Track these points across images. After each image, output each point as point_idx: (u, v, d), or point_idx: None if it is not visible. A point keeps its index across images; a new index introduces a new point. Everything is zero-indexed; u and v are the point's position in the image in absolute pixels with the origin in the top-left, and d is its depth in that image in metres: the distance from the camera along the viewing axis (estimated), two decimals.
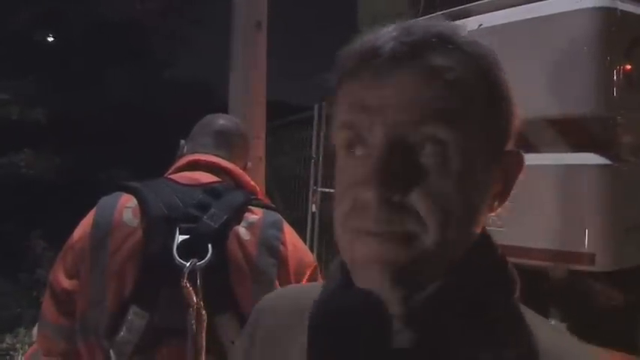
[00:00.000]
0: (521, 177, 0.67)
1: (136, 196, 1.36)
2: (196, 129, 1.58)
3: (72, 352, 1.33)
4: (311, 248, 5.68)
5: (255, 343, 0.80)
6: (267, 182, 3.92)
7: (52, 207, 7.06)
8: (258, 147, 3.45)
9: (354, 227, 0.62)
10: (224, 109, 3.06)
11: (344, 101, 0.65)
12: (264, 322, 0.81)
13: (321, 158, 6.34)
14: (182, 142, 1.59)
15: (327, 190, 6.36)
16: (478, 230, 0.65)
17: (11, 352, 5.04)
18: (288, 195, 6.91)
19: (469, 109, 0.61)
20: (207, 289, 1.25)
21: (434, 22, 0.65)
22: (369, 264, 0.61)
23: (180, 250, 1.27)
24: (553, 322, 2.37)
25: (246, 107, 3.62)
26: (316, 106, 6.40)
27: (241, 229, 1.35)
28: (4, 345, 5.16)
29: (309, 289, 0.75)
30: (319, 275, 1.47)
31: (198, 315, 1.23)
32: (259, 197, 1.48)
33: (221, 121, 1.59)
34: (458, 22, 0.70)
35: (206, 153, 1.49)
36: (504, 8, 2.88)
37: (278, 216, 1.44)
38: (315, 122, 6.37)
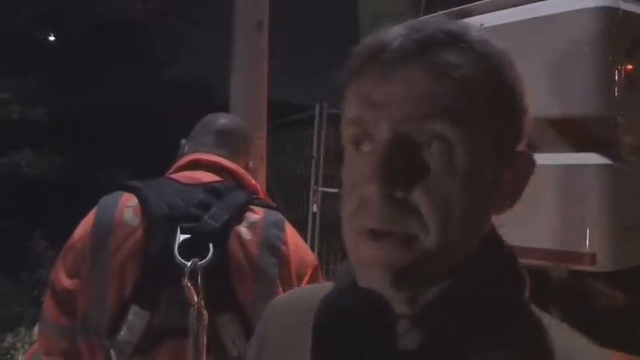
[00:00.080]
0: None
1: (136, 196, 1.36)
2: (197, 128, 1.58)
3: (73, 351, 1.33)
4: (312, 248, 5.68)
5: (266, 343, 0.80)
6: (268, 182, 3.92)
7: (53, 206, 7.07)
8: (260, 146, 3.45)
9: (358, 225, 0.61)
10: (225, 109, 3.06)
11: (352, 98, 0.64)
12: (276, 322, 0.81)
13: (322, 158, 6.35)
14: (183, 141, 1.59)
15: (328, 189, 6.36)
16: (485, 231, 0.65)
17: (12, 351, 5.05)
18: (289, 194, 6.91)
19: (477, 108, 0.60)
20: (208, 289, 1.25)
21: (445, 20, 0.64)
22: (371, 265, 0.61)
23: (182, 250, 1.27)
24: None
25: (248, 107, 3.63)
26: (317, 106, 6.41)
27: (242, 229, 1.35)
28: (5, 344, 5.17)
29: (320, 290, 0.75)
30: (320, 275, 1.47)
31: (199, 315, 1.23)
32: (261, 197, 1.48)
33: (222, 120, 1.59)
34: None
35: (207, 152, 1.49)
36: (505, 8, 2.88)
37: (279, 215, 1.44)
38: (317, 122, 6.37)
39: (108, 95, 8.90)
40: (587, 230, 2.56)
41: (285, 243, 1.39)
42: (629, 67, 2.62)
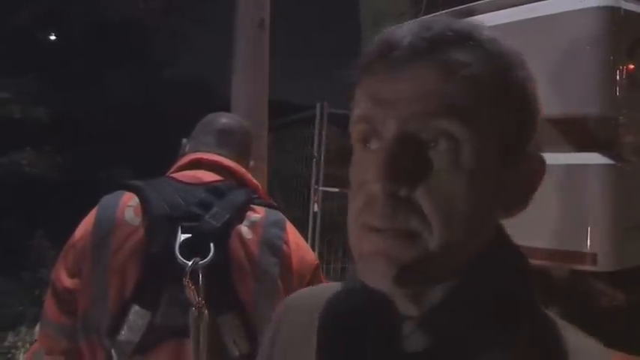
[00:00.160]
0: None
1: (137, 195, 1.36)
2: (199, 127, 1.58)
3: (74, 350, 1.33)
4: (312, 247, 5.68)
5: (278, 339, 0.80)
6: (268, 181, 3.92)
7: (54, 206, 7.06)
8: (260, 146, 3.46)
9: (363, 223, 0.61)
10: (226, 109, 3.06)
11: (361, 96, 0.64)
12: (288, 320, 0.81)
13: (322, 157, 6.35)
14: (184, 140, 1.58)
15: (328, 189, 6.36)
16: (492, 231, 0.65)
17: (13, 351, 5.05)
18: (289, 194, 6.91)
19: (485, 107, 0.60)
20: (209, 288, 1.25)
21: (455, 18, 0.64)
22: (373, 260, 0.60)
23: (182, 249, 1.27)
24: None
25: (249, 106, 3.63)
26: (318, 105, 6.41)
27: (243, 228, 1.35)
28: (6, 343, 5.17)
29: (333, 290, 0.75)
30: (321, 274, 1.47)
31: (200, 314, 1.23)
32: (261, 196, 1.48)
33: (223, 119, 1.59)
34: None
35: (208, 152, 1.49)
36: (507, 7, 2.88)
37: (280, 215, 1.44)
38: (317, 121, 6.38)
39: (109, 95, 8.89)
40: (589, 230, 2.55)
41: (286, 242, 1.39)
42: (631, 66, 2.61)
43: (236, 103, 3.69)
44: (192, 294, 1.23)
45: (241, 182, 1.47)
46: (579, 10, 2.62)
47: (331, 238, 6.58)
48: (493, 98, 0.60)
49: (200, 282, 1.24)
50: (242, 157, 1.54)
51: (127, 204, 1.35)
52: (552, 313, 0.66)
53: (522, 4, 2.86)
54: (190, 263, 1.24)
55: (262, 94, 3.73)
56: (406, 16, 5.97)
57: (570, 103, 2.60)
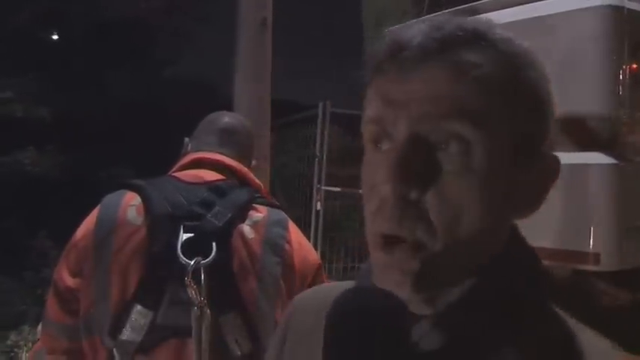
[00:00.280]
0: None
1: (139, 194, 1.36)
2: (201, 127, 1.58)
3: (75, 350, 1.33)
4: (315, 247, 5.67)
5: (287, 337, 0.80)
6: (271, 180, 3.92)
7: (56, 205, 7.07)
8: (263, 145, 3.46)
9: (376, 230, 0.61)
10: (228, 108, 3.06)
11: (372, 96, 0.64)
12: (296, 319, 0.80)
13: (325, 156, 6.35)
14: (186, 140, 1.58)
15: (331, 188, 6.37)
16: (506, 231, 0.64)
17: (15, 350, 5.05)
18: (292, 193, 6.92)
19: (497, 108, 0.59)
20: (211, 288, 1.25)
21: (467, 17, 0.64)
22: (387, 271, 0.61)
23: (185, 249, 1.26)
24: None
25: (251, 105, 3.63)
26: (321, 105, 6.42)
27: (246, 228, 1.35)
28: (9, 342, 5.18)
29: (343, 288, 0.75)
30: (324, 274, 1.47)
31: (202, 314, 1.23)
32: (264, 195, 1.48)
33: (226, 118, 1.59)
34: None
35: (210, 151, 1.49)
36: (510, 6, 2.87)
37: (283, 214, 1.43)
38: (320, 120, 6.38)
39: (111, 94, 8.90)
40: (591, 230, 2.55)
41: (289, 242, 1.39)
42: (634, 66, 2.61)
43: (238, 102, 3.69)
44: (194, 293, 1.23)
45: (243, 181, 1.47)
46: (583, 9, 2.62)
47: (333, 238, 6.58)
48: (505, 99, 0.60)
49: (202, 281, 1.24)
50: (244, 156, 1.54)
51: (129, 203, 1.35)
52: (565, 314, 0.66)
53: (525, 3, 2.86)
54: (192, 263, 1.24)
55: (265, 93, 3.73)
56: (408, 15, 5.97)
57: (573, 102, 2.59)
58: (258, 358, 1.27)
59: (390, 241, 0.60)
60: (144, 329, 1.25)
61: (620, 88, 2.58)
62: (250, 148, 1.59)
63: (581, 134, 2.60)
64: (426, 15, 4.85)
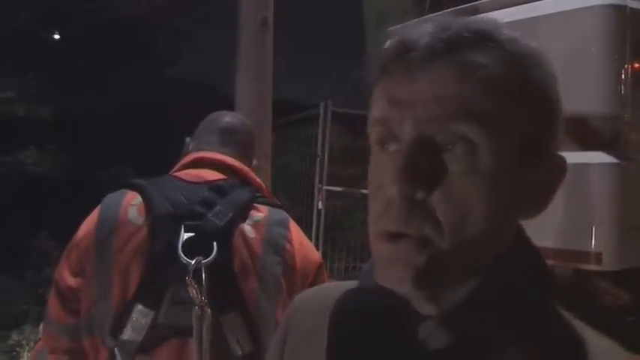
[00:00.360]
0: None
1: (140, 194, 1.35)
2: (202, 126, 1.58)
3: (77, 350, 1.33)
4: (316, 246, 5.67)
5: (288, 336, 0.80)
6: (272, 180, 3.92)
7: (58, 204, 7.08)
8: (264, 144, 3.46)
9: (382, 228, 0.61)
10: (229, 107, 3.06)
11: (378, 97, 0.64)
12: (297, 319, 0.80)
13: (326, 156, 6.35)
14: (187, 139, 1.58)
15: (332, 188, 6.36)
16: (512, 231, 0.64)
17: (17, 349, 5.06)
18: (293, 193, 6.92)
19: (503, 109, 0.59)
20: (212, 287, 1.25)
21: (473, 18, 0.63)
22: (390, 265, 0.60)
23: (185, 248, 1.26)
24: None
25: (252, 105, 3.63)
26: (322, 104, 6.42)
27: (246, 227, 1.35)
28: (11, 342, 5.18)
29: (344, 288, 0.75)
30: (325, 273, 1.47)
31: (203, 313, 1.23)
32: (265, 195, 1.47)
33: (227, 118, 1.59)
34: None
35: (211, 150, 1.48)
36: (512, 6, 2.87)
37: (284, 214, 1.43)
38: (321, 120, 6.38)
39: (112, 94, 8.91)
40: (593, 229, 2.55)
41: (290, 241, 1.38)
42: (636, 65, 2.61)
43: (240, 101, 3.69)
44: (195, 293, 1.22)
45: (244, 181, 1.47)
46: (584, 8, 2.62)
47: (335, 237, 6.58)
48: (512, 99, 0.59)
49: (203, 281, 1.24)
50: (245, 155, 1.53)
51: (130, 203, 1.35)
52: (568, 313, 0.66)
53: (526, 3, 2.85)
54: (193, 262, 1.24)
55: (266, 92, 3.73)
56: (410, 14, 5.97)
57: (575, 101, 2.59)
58: (259, 358, 1.26)
59: (395, 235, 0.59)
60: (145, 329, 1.25)
61: (622, 87, 2.57)
62: (251, 147, 1.59)
63: (583, 133, 2.59)
64: (428, 15, 4.85)
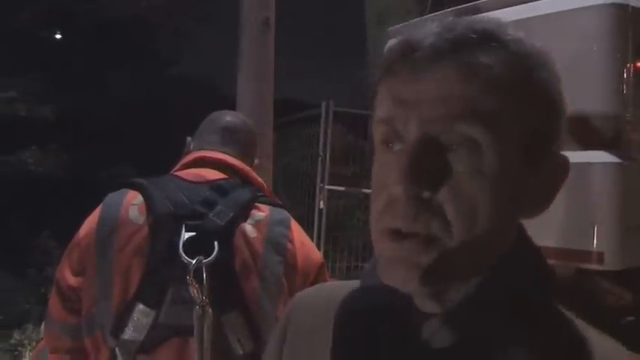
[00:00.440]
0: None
1: (142, 193, 1.35)
2: (203, 126, 1.58)
3: (79, 349, 1.33)
4: (318, 246, 5.67)
5: (287, 338, 0.80)
6: (274, 179, 3.92)
7: (60, 204, 7.09)
8: (266, 144, 3.45)
9: (384, 225, 0.61)
10: (231, 107, 3.06)
11: (383, 97, 0.64)
12: (297, 318, 0.80)
13: (328, 155, 6.35)
14: (188, 139, 1.58)
15: (334, 187, 6.36)
16: (514, 231, 0.65)
17: (19, 348, 5.07)
18: (295, 192, 6.91)
19: (508, 110, 0.59)
20: (213, 287, 1.25)
21: (479, 18, 0.64)
22: (394, 263, 0.60)
23: (186, 248, 1.26)
24: None
25: (254, 104, 3.63)
26: (324, 104, 6.41)
27: (248, 227, 1.34)
28: (13, 341, 5.19)
29: (345, 288, 0.75)
30: (326, 273, 1.47)
31: (204, 313, 1.23)
32: (266, 194, 1.47)
33: (228, 117, 1.59)
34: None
35: (213, 150, 1.48)
36: (513, 5, 2.87)
37: (285, 213, 1.43)
38: (323, 119, 6.37)
39: (114, 93, 8.92)
40: (595, 229, 2.55)
41: (291, 241, 1.38)
42: (638, 64, 2.60)
43: (241, 101, 3.69)
44: (196, 292, 1.22)
45: (246, 180, 1.47)
46: (587, 7, 2.61)
47: (337, 237, 6.58)
48: (517, 100, 0.60)
49: (204, 280, 1.24)
50: (246, 155, 1.53)
51: (131, 202, 1.35)
52: (570, 313, 0.66)
53: (529, 2, 2.85)
54: (194, 262, 1.24)
55: (267, 92, 3.73)
56: (412, 14, 5.97)
57: (577, 100, 2.59)
58: (260, 358, 1.26)
59: (401, 235, 0.60)
60: (146, 328, 1.25)
61: (624, 86, 2.57)
62: (252, 147, 1.58)
63: (585, 133, 2.59)
64: (430, 14, 4.85)
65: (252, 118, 1.89)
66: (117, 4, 8.95)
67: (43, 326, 1.51)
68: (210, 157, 1.46)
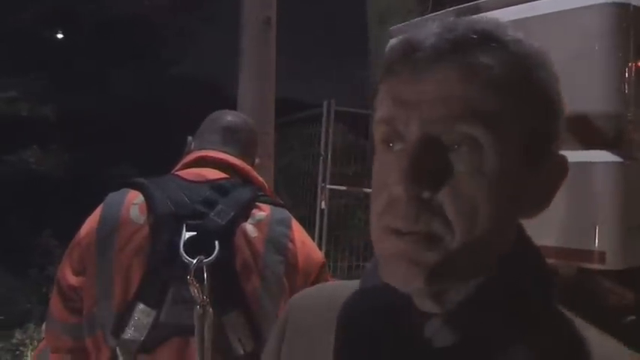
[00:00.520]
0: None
1: (142, 193, 1.35)
2: (204, 125, 1.58)
3: (80, 349, 1.33)
4: (319, 245, 5.68)
5: (286, 336, 0.80)
6: (275, 179, 3.92)
7: (60, 203, 7.10)
8: (267, 143, 3.45)
9: (385, 225, 0.61)
10: (232, 107, 3.06)
11: (383, 97, 0.64)
12: (296, 318, 0.80)
13: (329, 155, 6.35)
14: (189, 138, 1.58)
15: (335, 187, 6.36)
16: (514, 231, 0.65)
17: (21, 348, 5.07)
18: (296, 192, 6.92)
19: (508, 110, 0.59)
20: (214, 286, 1.25)
21: (479, 18, 0.64)
22: (395, 262, 0.60)
23: (187, 247, 1.26)
24: None
25: (255, 104, 3.63)
26: (325, 103, 6.41)
27: (248, 226, 1.34)
28: (14, 340, 5.20)
29: (344, 288, 0.75)
30: (327, 272, 1.46)
31: (205, 312, 1.22)
32: (267, 194, 1.47)
33: (229, 117, 1.59)
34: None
35: (213, 149, 1.48)
36: (514, 4, 2.86)
37: (286, 213, 1.43)
38: (324, 119, 6.37)
39: (116, 93, 8.93)
40: (597, 228, 2.54)
41: (292, 240, 1.38)
42: None
43: (242, 101, 3.68)
44: (196, 292, 1.22)
45: (246, 180, 1.47)
46: (588, 6, 2.61)
47: (338, 236, 6.58)
48: (517, 100, 0.60)
49: (205, 280, 1.23)
50: (247, 154, 1.53)
51: (132, 202, 1.35)
52: (571, 313, 0.66)
53: (529, 1, 2.84)
54: (195, 261, 1.24)
55: (268, 91, 3.73)
56: (413, 13, 5.96)
57: (578, 100, 2.58)
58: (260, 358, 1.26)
59: (400, 233, 0.60)
60: (146, 328, 1.25)
61: (626, 85, 2.56)
62: (253, 146, 1.58)
63: (587, 132, 2.58)
64: (431, 13, 4.84)
65: (253, 118, 1.89)
66: (119, 4, 8.96)
67: (44, 326, 1.51)
68: (211, 157, 1.46)
